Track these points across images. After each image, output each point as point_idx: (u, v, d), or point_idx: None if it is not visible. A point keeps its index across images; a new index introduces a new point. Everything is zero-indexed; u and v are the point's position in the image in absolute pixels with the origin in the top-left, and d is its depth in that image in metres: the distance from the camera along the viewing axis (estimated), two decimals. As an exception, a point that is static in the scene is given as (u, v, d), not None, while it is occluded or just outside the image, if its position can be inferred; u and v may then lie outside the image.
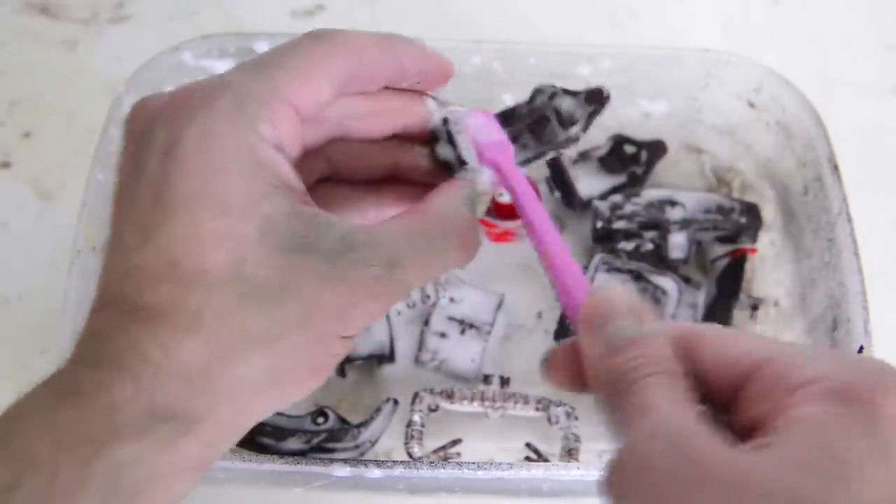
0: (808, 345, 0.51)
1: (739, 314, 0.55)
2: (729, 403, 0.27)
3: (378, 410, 0.48)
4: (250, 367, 0.27)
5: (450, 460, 0.47)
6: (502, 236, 0.55)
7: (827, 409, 0.24)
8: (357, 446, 0.47)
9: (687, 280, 0.54)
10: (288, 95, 0.29)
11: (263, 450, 0.47)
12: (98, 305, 0.28)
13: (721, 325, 0.30)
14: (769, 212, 0.57)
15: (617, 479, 0.26)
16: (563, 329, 0.52)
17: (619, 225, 0.55)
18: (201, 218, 0.27)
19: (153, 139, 0.28)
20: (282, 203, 0.28)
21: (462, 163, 0.37)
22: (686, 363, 0.27)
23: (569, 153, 0.58)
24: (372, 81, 0.32)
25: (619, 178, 0.58)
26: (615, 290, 0.29)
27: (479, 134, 0.40)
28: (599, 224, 0.55)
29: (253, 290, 0.27)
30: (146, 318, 0.27)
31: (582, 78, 0.58)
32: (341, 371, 0.52)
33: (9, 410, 0.27)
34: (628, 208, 0.55)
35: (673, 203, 0.55)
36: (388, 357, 0.52)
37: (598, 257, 0.54)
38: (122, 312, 0.27)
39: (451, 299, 0.53)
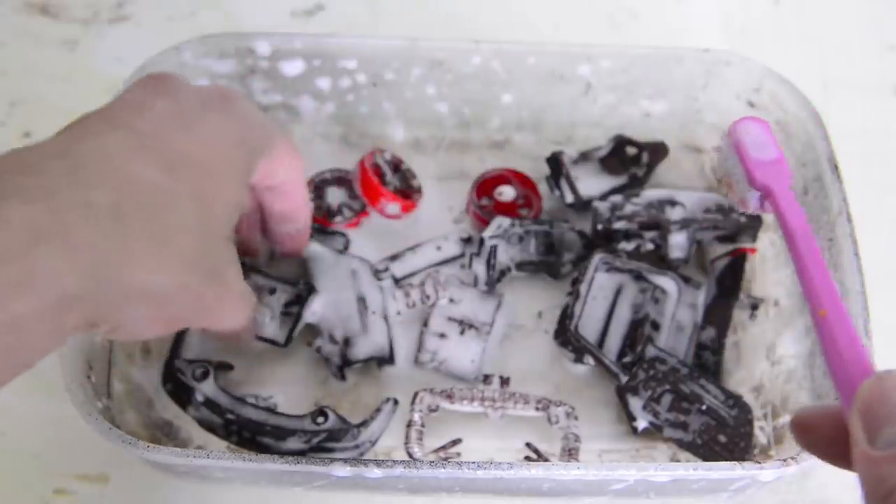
0: None
1: (739, 314, 0.55)
2: None
3: (378, 410, 0.48)
4: (162, 285, 0.33)
5: (450, 460, 0.46)
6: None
7: None
8: (357, 446, 0.47)
9: (687, 280, 0.54)
10: (272, 159, 0.41)
11: (263, 450, 0.47)
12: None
13: None
14: (769, 212, 0.57)
15: None
16: (562, 329, 0.52)
17: (619, 225, 0.55)
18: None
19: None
20: (233, 221, 0.38)
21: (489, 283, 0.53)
22: None
23: (570, 153, 0.58)
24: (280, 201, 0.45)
25: (620, 180, 0.58)
26: None
27: (753, 148, 0.36)
28: (600, 227, 0.55)
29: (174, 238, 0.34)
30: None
31: (582, 78, 0.58)
32: (341, 374, 0.52)
33: None
34: (628, 208, 0.55)
35: (673, 203, 0.55)
36: (387, 359, 0.52)
37: (598, 257, 0.54)
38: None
39: (451, 300, 0.53)
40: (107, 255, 0.30)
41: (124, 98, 0.36)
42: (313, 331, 0.52)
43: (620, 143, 0.58)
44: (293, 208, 0.45)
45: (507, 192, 0.57)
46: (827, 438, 0.28)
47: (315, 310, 0.51)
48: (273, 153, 0.40)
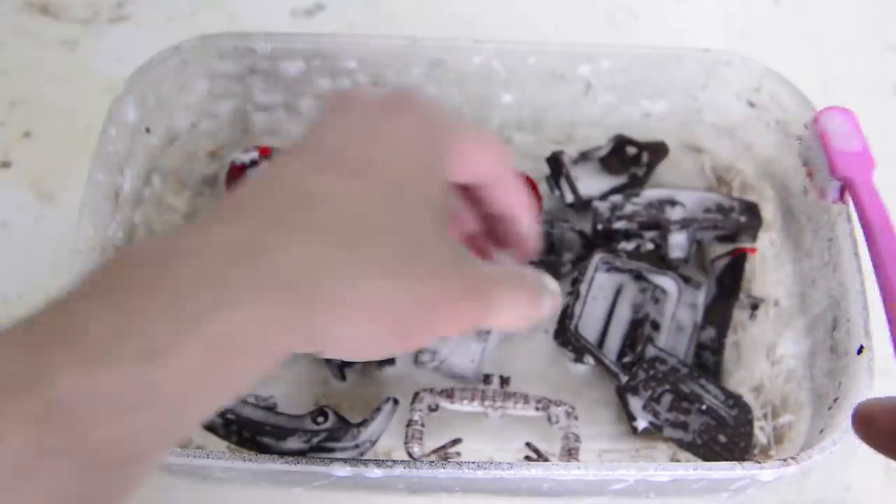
0: None
1: (739, 314, 0.55)
2: None
3: (378, 410, 0.48)
4: (369, 290, 0.30)
5: (450, 460, 0.46)
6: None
7: None
8: (357, 446, 0.47)
9: (687, 280, 0.54)
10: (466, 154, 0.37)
11: (263, 449, 0.47)
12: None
13: None
14: (769, 211, 0.57)
15: None
16: (563, 329, 0.52)
17: (619, 225, 0.55)
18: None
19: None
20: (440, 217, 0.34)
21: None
22: None
23: (570, 153, 0.58)
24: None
25: (620, 179, 0.58)
26: None
27: (838, 138, 0.36)
28: (600, 226, 0.55)
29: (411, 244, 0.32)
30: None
31: (582, 78, 0.58)
32: (341, 375, 0.52)
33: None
34: (628, 208, 0.55)
35: (673, 203, 0.55)
36: (387, 359, 0.52)
37: (597, 257, 0.54)
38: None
39: (451, 299, 0.53)
40: (302, 268, 0.29)
41: (308, 127, 0.36)
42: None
43: (620, 142, 0.58)
44: (508, 204, 0.40)
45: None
46: (890, 432, 0.28)
47: None
48: (464, 147, 0.37)
